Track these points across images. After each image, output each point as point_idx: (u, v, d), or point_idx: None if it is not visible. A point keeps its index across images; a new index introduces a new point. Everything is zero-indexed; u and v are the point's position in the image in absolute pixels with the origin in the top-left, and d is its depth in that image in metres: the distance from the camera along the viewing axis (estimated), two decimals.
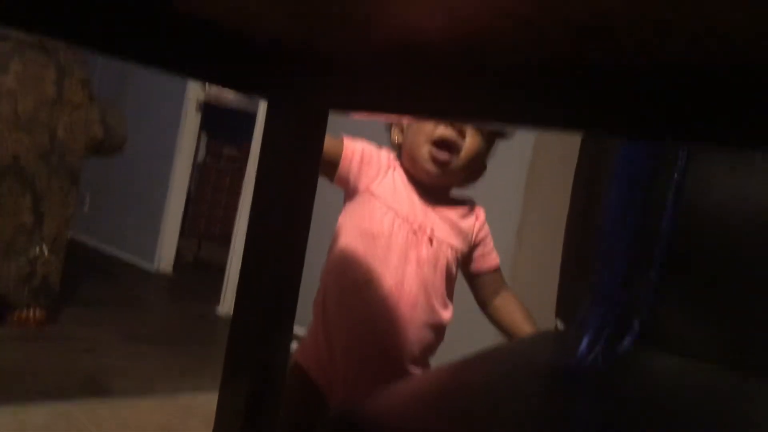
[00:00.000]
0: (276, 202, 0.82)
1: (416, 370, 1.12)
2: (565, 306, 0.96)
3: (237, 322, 0.86)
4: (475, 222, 1.18)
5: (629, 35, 0.42)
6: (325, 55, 0.69)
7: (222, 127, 5.32)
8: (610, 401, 0.70)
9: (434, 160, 1.10)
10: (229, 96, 7.18)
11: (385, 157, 1.17)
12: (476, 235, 1.18)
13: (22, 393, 1.84)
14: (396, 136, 1.19)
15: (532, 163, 2.10)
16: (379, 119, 1.12)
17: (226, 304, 3.35)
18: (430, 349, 1.14)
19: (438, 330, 1.14)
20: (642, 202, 0.83)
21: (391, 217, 1.10)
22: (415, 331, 1.10)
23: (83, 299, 3.02)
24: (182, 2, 0.59)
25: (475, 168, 1.16)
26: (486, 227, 1.20)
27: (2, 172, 2.23)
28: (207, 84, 4.38)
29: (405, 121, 1.17)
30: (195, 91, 4.25)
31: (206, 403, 1.93)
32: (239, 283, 0.89)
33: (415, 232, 1.10)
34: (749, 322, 0.80)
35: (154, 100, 4.50)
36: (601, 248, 0.91)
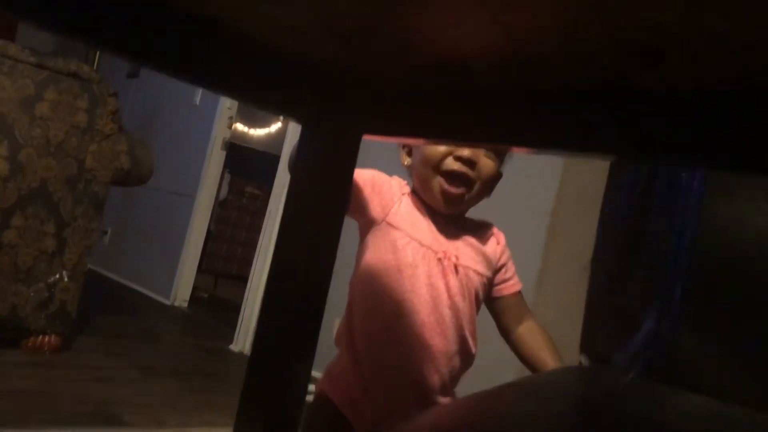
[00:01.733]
0: (304, 226, 0.82)
1: (444, 399, 1.10)
2: (590, 341, 0.93)
3: (256, 358, 0.85)
4: (497, 246, 1.15)
5: (682, 53, 0.41)
6: (362, 77, 0.70)
7: (245, 166, 5.38)
8: None
9: (445, 194, 1.06)
10: (253, 137, 7.30)
11: (397, 184, 1.13)
12: (499, 260, 1.15)
13: (32, 419, 1.82)
14: (404, 159, 1.15)
15: (558, 197, 2.08)
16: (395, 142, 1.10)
17: (240, 342, 3.32)
18: (458, 376, 1.12)
19: (468, 358, 1.11)
20: (661, 231, 0.82)
21: (414, 247, 1.07)
22: (446, 362, 1.07)
23: (98, 329, 3.01)
24: (222, 18, 0.60)
25: (491, 185, 1.12)
26: (507, 251, 1.17)
27: (30, 196, 2.25)
28: (233, 123, 4.45)
29: (412, 143, 1.13)
30: (221, 129, 4.31)
31: None
32: (260, 317, 0.87)
33: (440, 260, 1.07)
34: None
35: (180, 136, 4.57)
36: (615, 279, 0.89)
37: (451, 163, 1.05)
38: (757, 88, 0.44)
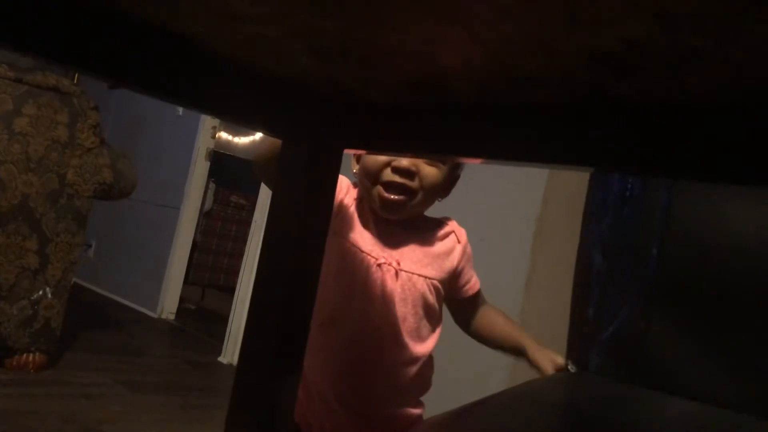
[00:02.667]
0: (287, 242, 0.81)
1: (405, 411, 1.08)
2: (576, 348, 0.93)
3: (242, 370, 0.84)
4: (456, 245, 1.10)
5: (658, 66, 0.41)
6: (342, 92, 0.69)
7: (230, 176, 5.35)
8: None
9: (383, 201, 1.03)
10: (238, 145, 7.27)
11: (346, 187, 1.10)
12: (459, 261, 1.10)
13: None
14: (354, 167, 1.11)
15: (544, 202, 2.09)
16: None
17: (228, 354, 3.30)
18: (413, 386, 1.08)
19: (414, 364, 1.07)
20: (628, 235, 0.83)
21: (353, 253, 1.04)
22: (387, 370, 1.04)
23: (84, 345, 2.98)
24: (198, 36, 0.59)
25: (441, 190, 1.08)
26: (468, 251, 1.12)
27: (10, 213, 2.23)
28: (217, 132, 4.43)
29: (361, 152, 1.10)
30: (204, 140, 4.29)
31: None
32: (245, 328, 0.87)
33: (380, 266, 1.03)
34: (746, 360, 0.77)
35: (163, 147, 4.54)
36: (590, 284, 0.89)
37: (389, 175, 1.02)
38: (732, 100, 0.44)
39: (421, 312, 1.06)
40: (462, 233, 1.12)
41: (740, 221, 0.78)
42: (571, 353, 0.96)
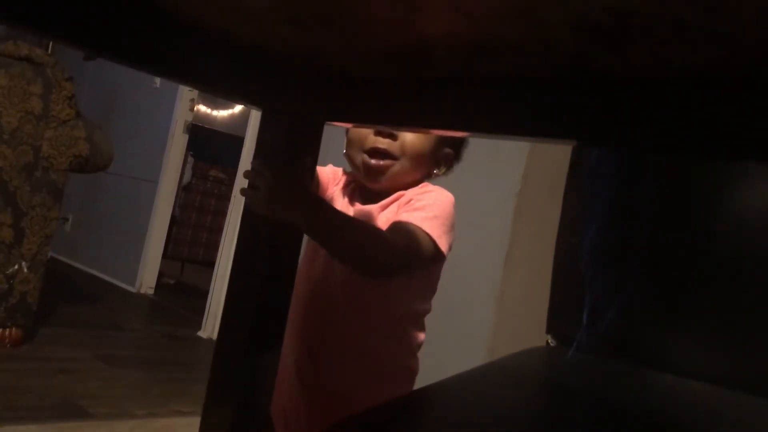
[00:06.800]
0: (267, 217, 0.80)
1: (366, 391, 1.03)
2: (556, 322, 0.94)
3: (222, 344, 0.83)
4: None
5: (646, 39, 0.41)
6: (323, 63, 0.68)
7: (209, 149, 5.30)
8: (605, 419, 0.67)
9: (366, 167, 1.04)
10: (216, 118, 7.19)
11: (330, 173, 1.12)
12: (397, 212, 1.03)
13: None
14: (345, 146, 1.10)
15: (524, 178, 2.09)
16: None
17: (208, 328, 3.29)
18: (373, 360, 1.06)
19: (368, 335, 1.05)
20: (617, 214, 0.83)
21: None
22: (342, 339, 1.04)
23: (61, 319, 2.95)
24: (182, 7, 0.57)
25: (428, 160, 1.06)
26: (420, 196, 1.04)
27: None
28: (195, 105, 4.37)
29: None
30: (182, 112, 4.23)
31: (186, 426, 1.88)
32: (225, 303, 0.86)
33: None
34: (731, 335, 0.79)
35: (141, 120, 4.47)
36: (582, 261, 0.90)
37: (372, 141, 1.03)
38: (718, 74, 0.43)
39: (371, 285, 1.03)
40: (412, 191, 1.06)
41: (720, 202, 0.78)
42: (551, 328, 0.97)
